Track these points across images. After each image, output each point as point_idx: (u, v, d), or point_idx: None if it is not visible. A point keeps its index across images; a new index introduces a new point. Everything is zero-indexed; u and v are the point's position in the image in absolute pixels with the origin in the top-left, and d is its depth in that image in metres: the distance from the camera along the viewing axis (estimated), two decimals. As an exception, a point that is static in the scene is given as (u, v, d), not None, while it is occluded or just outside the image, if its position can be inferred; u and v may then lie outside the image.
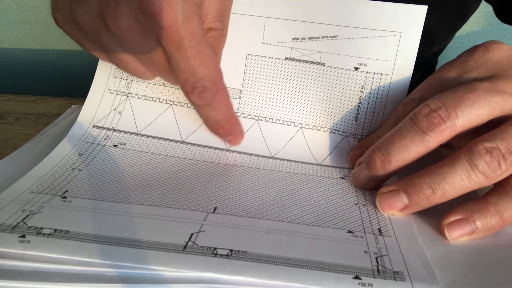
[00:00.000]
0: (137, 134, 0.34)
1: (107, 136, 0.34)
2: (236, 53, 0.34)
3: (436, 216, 0.25)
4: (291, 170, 0.31)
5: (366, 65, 0.32)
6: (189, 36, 0.25)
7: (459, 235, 0.24)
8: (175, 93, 0.35)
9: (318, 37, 0.33)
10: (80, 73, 0.61)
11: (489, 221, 0.24)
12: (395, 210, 0.26)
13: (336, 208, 0.27)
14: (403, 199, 0.25)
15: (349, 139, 0.33)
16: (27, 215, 0.24)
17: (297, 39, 0.33)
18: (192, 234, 0.23)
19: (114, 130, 0.34)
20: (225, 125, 0.30)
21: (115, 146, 0.33)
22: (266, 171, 0.31)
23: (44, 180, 0.28)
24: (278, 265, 0.21)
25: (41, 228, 0.23)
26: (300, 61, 0.33)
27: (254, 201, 0.27)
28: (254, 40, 0.34)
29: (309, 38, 0.33)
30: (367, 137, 0.32)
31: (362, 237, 0.24)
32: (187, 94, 0.28)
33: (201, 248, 0.22)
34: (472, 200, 0.25)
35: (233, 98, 0.34)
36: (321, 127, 0.34)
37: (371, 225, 0.25)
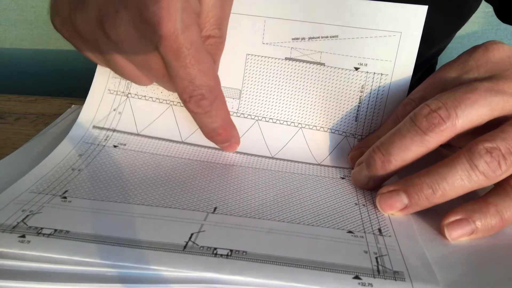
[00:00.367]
0: (137, 134, 0.34)
1: (107, 137, 0.34)
2: (236, 53, 0.34)
3: (436, 216, 0.25)
4: (291, 170, 0.31)
5: (366, 65, 0.32)
6: (188, 44, 0.26)
7: (459, 235, 0.24)
8: (174, 94, 0.35)
9: (318, 37, 0.33)
10: (80, 73, 0.61)
11: (489, 221, 0.24)
12: (395, 210, 0.26)
13: (336, 208, 0.27)
14: (403, 199, 0.25)
15: (349, 139, 0.33)
16: (27, 215, 0.24)
17: (297, 39, 0.33)
18: (192, 234, 0.23)
19: (114, 130, 0.34)
20: (222, 132, 0.30)
21: (115, 146, 0.33)
22: (266, 171, 0.31)
23: (44, 180, 0.28)
24: (278, 265, 0.21)
25: (41, 228, 0.23)
26: (300, 61, 0.33)
27: (254, 201, 0.27)
28: (254, 40, 0.34)
29: (309, 38, 0.33)
30: (367, 137, 0.32)
31: (362, 237, 0.24)
32: (185, 102, 0.28)
33: (201, 248, 0.22)
34: (472, 200, 0.25)
35: (233, 98, 0.34)
36: (321, 127, 0.34)
37: (371, 225, 0.25)
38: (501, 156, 0.23)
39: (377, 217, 0.26)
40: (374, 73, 0.32)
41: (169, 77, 0.27)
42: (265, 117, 0.34)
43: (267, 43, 0.34)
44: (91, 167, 0.30)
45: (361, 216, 0.26)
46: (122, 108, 0.35)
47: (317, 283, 0.20)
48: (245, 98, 0.34)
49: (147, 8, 0.24)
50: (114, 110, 0.35)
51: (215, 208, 0.26)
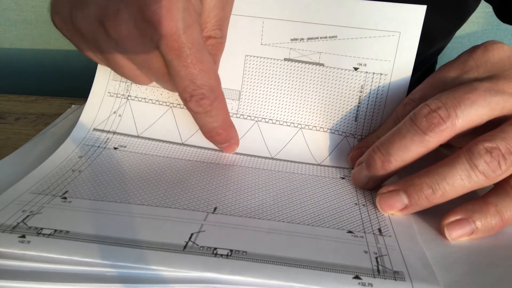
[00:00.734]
0: (137, 136, 0.34)
1: (107, 139, 0.34)
2: (235, 54, 0.34)
3: (436, 216, 0.25)
4: (291, 170, 0.31)
5: (365, 65, 0.32)
6: (190, 44, 0.26)
7: (459, 235, 0.24)
8: (174, 95, 0.35)
9: (317, 38, 0.33)
10: (80, 73, 0.61)
11: (489, 221, 0.24)
12: (395, 210, 0.26)
13: (336, 208, 0.27)
14: (403, 199, 0.25)
15: (349, 139, 0.33)
16: (27, 216, 0.24)
17: (296, 39, 0.33)
18: (192, 234, 0.23)
19: (114, 133, 0.34)
20: (222, 132, 0.30)
21: (115, 148, 0.33)
22: (266, 172, 0.31)
23: (45, 181, 0.28)
24: (278, 265, 0.21)
25: (41, 229, 0.23)
26: (299, 61, 0.33)
27: (254, 201, 0.27)
28: (253, 41, 0.34)
29: (308, 38, 0.33)
30: (367, 137, 0.32)
31: (362, 237, 0.24)
32: (185, 101, 0.28)
33: (201, 248, 0.22)
34: (472, 200, 0.25)
35: (232, 100, 0.34)
36: (320, 127, 0.34)
37: (371, 225, 0.25)
38: (501, 156, 0.23)
39: (377, 217, 0.26)
40: (374, 73, 0.32)
41: (169, 76, 0.27)
42: (264, 118, 0.34)
43: (266, 44, 0.34)
44: (92, 169, 0.30)
45: (361, 216, 0.26)
46: (122, 110, 0.35)
47: (317, 283, 0.20)
48: (245, 99, 0.34)
49: (148, 7, 0.24)
50: (114, 112, 0.35)
51: (215, 208, 0.26)
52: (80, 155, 0.31)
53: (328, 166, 0.32)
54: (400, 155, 0.26)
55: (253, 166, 0.32)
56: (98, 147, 0.33)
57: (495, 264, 0.23)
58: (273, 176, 0.30)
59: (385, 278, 0.21)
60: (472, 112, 0.25)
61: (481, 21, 0.66)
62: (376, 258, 0.22)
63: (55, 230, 0.23)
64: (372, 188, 0.29)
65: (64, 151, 0.32)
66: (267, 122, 0.34)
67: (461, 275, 0.22)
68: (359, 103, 0.33)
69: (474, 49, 0.29)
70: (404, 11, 0.31)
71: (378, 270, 0.21)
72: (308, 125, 0.34)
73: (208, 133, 0.30)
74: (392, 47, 0.32)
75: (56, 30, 0.30)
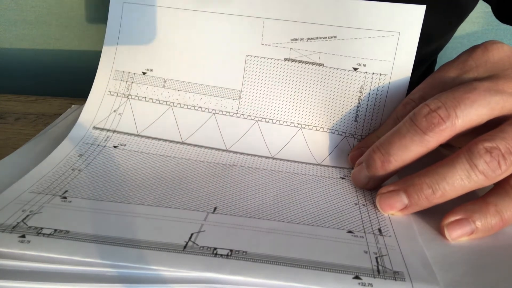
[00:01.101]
0: (137, 135, 0.34)
1: (107, 137, 0.34)
2: (235, 54, 0.34)
3: (436, 216, 0.25)
4: (291, 170, 0.31)
5: (365, 65, 0.32)
6: None
7: (459, 235, 0.24)
8: (175, 95, 0.35)
9: (317, 38, 0.33)
10: (80, 73, 0.61)
11: (489, 221, 0.24)
12: (395, 210, 0.26)
13: (336, 208, 0.27)
14: (403, 199, 0.25)
15: (349, 139, 0.33)
16: (27, 215, 0.24)
17: (296, 39, 0.33)
18: (192, 234, 0.23)
19: (114, 131, 0.34)
20: None
21: (115, 147, 0.33)
22: (266, 171, 0.31)
23: (44, 181, 0.28)
24: (278, 265, 0.21)
25: (41, 228, 0.23)
26: (299, 61, 0.33)
27: (254, 201, 0.27)
28: (253, 41, 0.34)
29: (308, 38, 0.33)
30: (367, 137, 0.32)
31: (362, 237, 0.24)
32: None
33: (201, 248, 0.22)
34: (472, 200, 0.25)
35: (233, 99, 0.34)
36: (320, 127, 0.34)
37: (371, 225, 0.25)
38: (500, 155, 0.23)
39: (377, 217, 0.26)
40: (373, 73, 0.32)
41: None
42: (265, 118, 0.34)
43: (266, 44, 0.34)
44: (91, 167, 0.30)
45: (361, 216, 0.26)
46: (123, 109, 0.35)
47: (317, 283, 0.20)
48: (245, 99, 0.34)
49: None
50: (115, 111, 0.35)
51: (215, 208, 0.26)
52: (80, 153, 0.31)
53: (328, 166, 0.32)
54: (400, 155, 0.26)
55: (253, 166, 0.32)
56: (98, 145, 0.33)
57: (495, 264, 0.23)
58: (273, 176, 0.30)
59: (385, 278, 0.21)
60: (472, 112, 0.25)
61: (481, 21, 0.66)
62: (376, 258, 0.22)
63: (55, 230, 0.23)
64: (372, 188, 0.29)
65: (63, 149, 0.32)
66: (267, 122, 0.34)
67: (461, 275, 0.22)
68: (358, 103, 0.33)
69: (473, 49, 0.29)
70: (404, 11, 0.31)
71: (378, 270, 0.21)
72: (308, 125, 0.34)
73: None
74: (391, 47, 0.32)
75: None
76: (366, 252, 0.23)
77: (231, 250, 0.22)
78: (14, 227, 0.23)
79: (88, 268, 0.21)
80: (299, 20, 0.33)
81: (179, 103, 0.35)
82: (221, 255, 0.22)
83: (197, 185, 0.29)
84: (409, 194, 0.25)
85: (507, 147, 0.23)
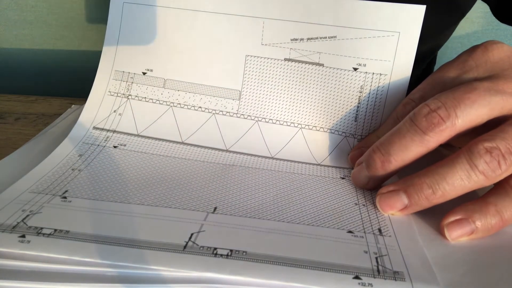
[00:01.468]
0: (137, 135, 0.34)
1: (107, 138, 0.34)
2: (235, 54, 0.34)
3: (436, 216, 0.25)
4: (291, 170, 0.31)
5: (365, 65, 0.32)
6: None
7: (459, 235, 0.24)
8: (175, 95, 0.35)
9: (317, 38, 0.33)
10: (80, 73, 0.61)
11: (489, 221, 0.24)
12: (395, 210, 0.26)
13: (336, 208, 0.27)
14: (403, 199, 0.25)
15: (349, 139, 0.33)
16: (27, 215, 0.24)
17: (296, 40, 0.33)
18: (192, 234, 0.23)
19: (114, 131, 0.34)
20: None
21: (115, 147, 0.33)
22: (266, 171, 0.31)
23: (44, 180, 0.28)
24: (278, 265, 0.21)
25: (41, 228, 0.23)
26: (299, 61, 0.33)
27: (254, 201, 0.27)
28: (253, 41, 0.34)
29: (308, 38, 0.33)
30: (367, 137, 0.32)
31: (362, 237, 0.24)
32: None
33: (201, 248, 0.22)
34: (472, 200, 0.25)
35: (233, 99, 0.34)
36: (320, 127, 0.34)
37: (371, 225, 0.25)
38: (500, 155, 0.23)
39: (377, 217, 0.26)
40: (373, 73, 0.32)
41: None
42: (265, 118, 0.34)
43: (266, 44, 0.34)
44: (91, 167, 0.30)
45: (361, 216, 0.26)
46: (123, 109, 0.35)
47: (317, 283, 0.20)
48: (245, 99, 0.34)
49: None
50: (115, 111, 0.35)
51: (215, 208, 0.26)
52: (80, 153, 0.31)
53: (328, 166, 0.32)
54: (400, 155, 0.26)
55: (253, 166, 0.32)
56: (98, 145, 0.33)
57: (495, 264, 0.23)
58: (273, 176, 0.30)
59: (385, 278, 0.21)
60: (472, 112, 0.25)
61: (481, 21, 0.66)
62: (376, 258, 0.22)
63: (55, 230, 0.23)
64: (372, 188, 0.29)
65: (63, 149, 0.32)
66: (267, 122, 0.34)
67: (461, 275, 0.22)
68: (358, 103, 0.33)
69: (473, 49, 0.29)
70: (404, 11, 0.31)
71: (378, 270, 0.21)
72: (308, 125, 0.34)
73: None
74: (391, 47, 0.32)
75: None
76: (366, 252, 0.23)
77: (231, 250, 0.22)
78: (14, 227, 0.23)
79: (88, 268, 0.21)
80: (299, 20, 0.33)
81: (179, 103, 0.35)
82: (221, 255, 0.22)
83: (197, 185, 0.29)
84: (409, 194, 0.25)
85: (507, 147, 0.23)
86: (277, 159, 0.33)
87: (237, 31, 0.34)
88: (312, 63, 0.33)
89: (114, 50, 0.36)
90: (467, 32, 0.67)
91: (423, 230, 0.25)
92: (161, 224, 0.24)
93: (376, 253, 0.23)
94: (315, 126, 0.34)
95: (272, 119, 0.34)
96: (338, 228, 0.25)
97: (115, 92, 0.35)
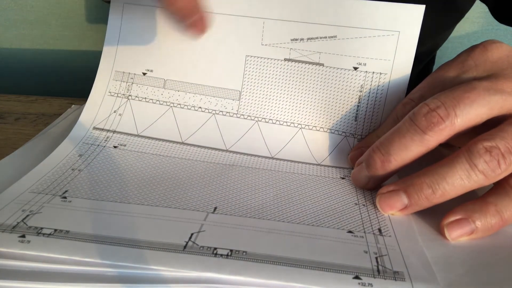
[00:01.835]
0: (137, 135, 0.34)
1: (107, 138, 0.34)
2: (235, 54, 0.34)
3: (436, 216, 0.25)
4: (291, 170, 0.31)
5: (365, 64, 0.32)
6: None
7: (459, 235, 0.24)
8: (175, 95, 0.35)
9: (317, 38, 0.33)
10: (80, 73, 0.61)
11: (489, 221, 0.24)
12: (395, 210, 0.26)
13: (336, 208, 0.27)
14: (403, 199, 0.25)
15: (349, 139, 0.33)
16: (27, 215, 0.24)
17: (296, 39, 0.33)
18: (192, 234, 0.23)
19: (114, 131, 0.34)
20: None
21: (115, 147, 0.33)
22: (266, 171, 0.31)
23: (44, 180, 0.28)
24: (278, 265, 0.21)
25: (41, 228, 0.23)
26: (299, 61, 0.33)
27: (254, 201, 0.27)
28: (253, 41, 0.34)
29: (308, 38, 0.33)
30: (367, 137, 0.32)
31: (362, 237, 0.24)
32: None
33: (201, 248, 0.22)
34: (472, 200, 0.25)
35: (233, 100, 0.34)
36: (320, 127, 0.34)
37: (371, 225, 0.25)
38: (500, 155, 0.23)
39: (377, 217, 0.26)
40: (373, 72, 0.32)
41: None
42: (265, 118, 0.34)
43: (266, 44, 0.34)
44: (91, 167, 0.30)
45: (361, 216, 0.26)
46: (123, 110, 0.35)
47: (317, 283, 0.20)
48: (245, 99, 0.34)
49: None
50: (115, 111, 0.35)
51: (215, 208, 0.26)
52: (80, 153, 0.31)
53: (328, 166, 0.32)
54: (400, 154, 0.26)
55: (253, 166, 0.32)
56: (98, 145, 0.33)
57: (495, 264, 0.23)
58: (273, 176, 0.30)
59: (385, 278, 0.21)
60: (471, 111, 0.25)
61: (481, 21, 0.66)
62: (376, 258, 0.22)
63: (55, 230, 0.23)
64: (372, 188, 0.29)
65: (63, 149, 0.32)
66: (267, 122, 0.34)
67: (461, 275, 0.22)
68: (359, 102, 0.33)
69: (473, 48, 0.29)
70: (403, 11, 0.31)
71: (378, 270, 0.21)
72: (308, 125, 0.34)
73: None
74: (391, 47, 0.32)
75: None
76: (366, 252, 0.23)
77: (231, 250, 0.22)
78: (14, 227, 0.23)
79: (88, 268, 0.21)
80: (299, 20, 0.33)
81: (179, 104, 0.35)
82: (221, 255, 0.22)
83: (197, 185, 0.29)
84: (409, 194, 0.25)
85: (506, 146, 0.23)
86: (277, 159, 0.33)
87: (237, 31, 0.34)
88: (312, 63, 0.33)
89: (115, 50, 0.36)
90: (467, 32, 0.67)
91: (423, 230, 0.25)
92: (161, 224, 0.24)
93: (376, 253, 0.23)
94: (315, 126, 0.34)
95: (272, 119, 0.34)
96: (338, 228, 0.25)
97: (115, 93, 0.35)
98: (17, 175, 0.28)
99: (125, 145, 0.33)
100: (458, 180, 0.24)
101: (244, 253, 0.22)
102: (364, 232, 0.25)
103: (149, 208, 0.26)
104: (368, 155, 0.27)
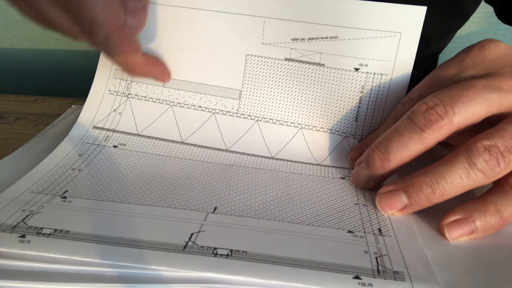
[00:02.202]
0: (137, 135, 0.34)
1: (107, 137, 0.34)
2: (235, 54, 0.34)
3: (436, 216, 0.25)
4: (291, 170, 0.31)
5: (366, 65, 0.32)
6: None
7: (459, 235, 0.24)
8: (175, 94, 0.35)
9: (318, 38, 0.33)
10: (80, 73, 0.61)
11: (488, 220, 0.24)
12: (395, 210, 0.26)
13: (336, 208, 0.27)
14: (403, 199, 0.25)
15: (349, 140, 0.33)
16: (27, 215, 0.24)
17: (297, 39, 0.33)
18: (192, 234, 0.23)
19: (114, 131, 0.34)
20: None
21: (115, 146, 0.33)
22: (266, 171, 0.31)
23: (44, 180, 0.28)
24: (278, 265, 0.21)
25: (41, 228, 0.23)
26: (300, 61, 0.33)
27: (254, 201, 0.27)
28: (254, 40, 0.34)
29: (309, 38, 0.33)
30: (367, 137, 0.33)
31: (362, 237, 0.24)
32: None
33: (201, 248, 0.22)
34: (472, 200, 0.25)
35: (233, 99, 0.34)
36: (321, 127, 0.34)
37: (371, 225, 0.25)
38: (499, 154, 0.23)
39: (377, 217, 0.26)
40: (374, 73, 0.32)
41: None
42: (265, 118, 0.34)
43: (266, 44, 0.34)
44: (91, 167, 0.30)
45: (361, 216, 0.26)
46: (122, 108, 0.35)
47: (317, 283, 0.20)
48: (245, 98, 0.34)
49: None
50: (114, 110, 0.35)
51: (215, 208, 0.26)
52: (80, 153, 0.31)
53: (328, 166, 0.32)
54: (399, 153, 0.26)
55: (253, 166, 0.32)
56: (98, 145, 0.33)
57: (495, 264, 0.23)
58: (273, 176, 0.30)
59: (385, 278, 0.21)
60: (469, 109, 0.25)
61: (481, 21, 0.66)
62: (376, 258, 0.22)
63: (55, 230, 0.23)
64: (372, 187, 0.29)
65: (63, 149, 0.32)
66: (268, 121, 0.34)
67: (461, 275, 0.22)
68: (359, 103, 0.33)
69: (470, 47, 0.29)
70: (405, 12, 0.31)
71: (378, 270, 0.21)
72: (308, 125, 0.34)
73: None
74: (393, 48, 0.32)
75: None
76: (366, 252, 0.23)
77: (231, 250, 0.22)
78: (14, 227, 0.23)
79: (88, 268, 0.21)
80: (300, 20, 0.33)
81: (179, 103, 0.35)
82: (221, 255, 0.22)
83: (197, 185, 0.29)
84: (408, 193, 0.25)
85: (505, 145, 0.23)
86: (277, 159, 0.33)
87: (237, 30, 0.34)
88: (313, 63, 0.33)
89: (114, 50, 0.36)
90: (467, 32, 0.67)
91: (423, 230, 0.25)
92: (161, 224, 0.24)
93: (376, 253, 0.23)
94: (315, 126, 0.34)
95: (272, 119, 0.34)
96: (338, 228, 0.25)
97: (114, 91, 0.35)
98: (17, 175, 0.28)
99: (125, 145, 0.33)
100: (458, 179, 0.24)
101: (244, 253, 0.22)
102: (364, 232, 0.25)
103: (149, 208, 0.26)
104: (368, 154, 0.27)
